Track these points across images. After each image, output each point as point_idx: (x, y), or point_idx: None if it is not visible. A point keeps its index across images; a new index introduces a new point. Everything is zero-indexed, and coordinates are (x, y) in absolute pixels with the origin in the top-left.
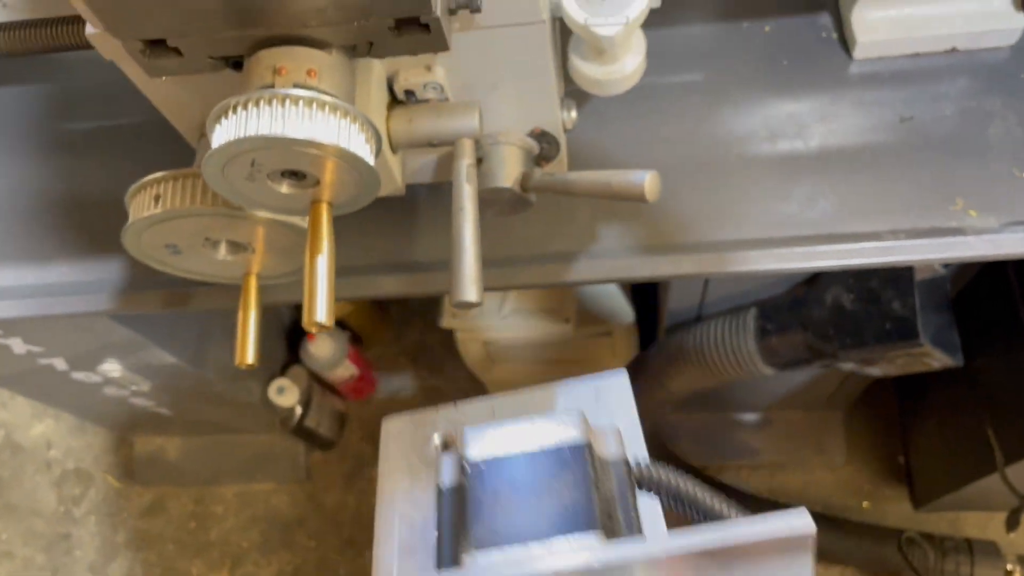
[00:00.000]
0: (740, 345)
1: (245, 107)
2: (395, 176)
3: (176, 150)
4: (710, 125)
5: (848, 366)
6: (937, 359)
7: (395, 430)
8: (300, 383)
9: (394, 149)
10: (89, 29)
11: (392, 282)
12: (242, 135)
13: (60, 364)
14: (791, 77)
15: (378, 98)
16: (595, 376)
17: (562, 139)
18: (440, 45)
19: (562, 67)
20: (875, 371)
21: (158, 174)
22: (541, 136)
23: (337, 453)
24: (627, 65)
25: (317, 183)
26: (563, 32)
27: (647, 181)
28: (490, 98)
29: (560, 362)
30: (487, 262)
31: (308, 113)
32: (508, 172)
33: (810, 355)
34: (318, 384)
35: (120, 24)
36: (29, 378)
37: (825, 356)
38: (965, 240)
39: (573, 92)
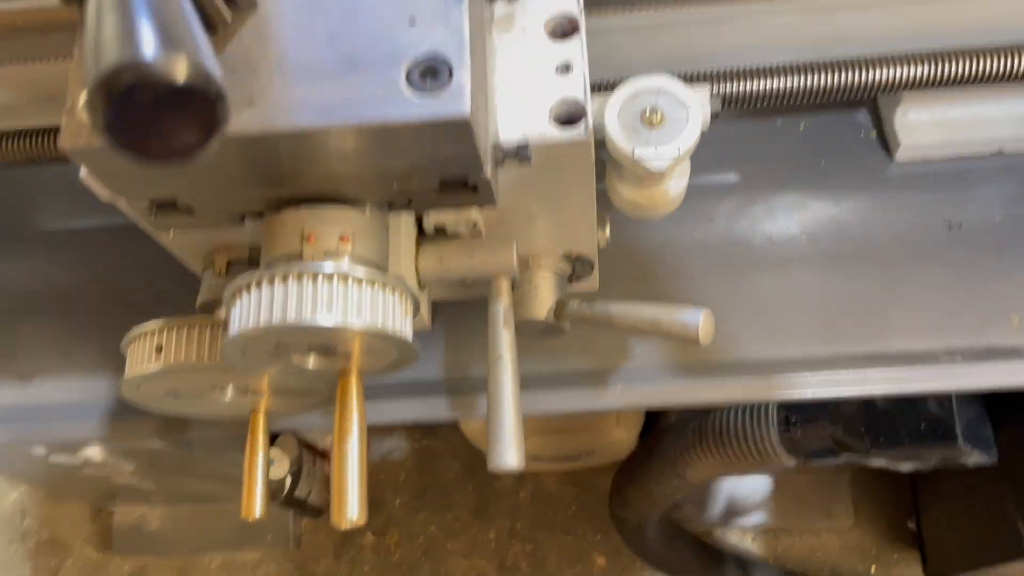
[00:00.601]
0: (762, 436)
1: (271, 284)
2: (423, 315)
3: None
4: (745, 228)
5: (878, 463)
6: (972, 458)
7: None
8: (290, 452)
9: (422, 287)
10: (82, 171)
11: (408, 407)
12: (267, 322)
13: (39, 450)
14: (829, 178)
15: (407, 236)
16: None
17: (596, 257)
18: (487, 201)
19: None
20: (905, 467)
21: (158, 321)
22: (575, 259)
23: (328, 520)
24: (671, 189)
25: (349, 356)
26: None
27: (701, 324)
28: (526, 228)
29: (564, 431)
30: None
31: (343, 293)
32: (542, 302)
33: (837, 449)
34: (308, 451)
35: (128, 189)
36: (2, 459)
37: (854, 452)
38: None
39: (603, 196)
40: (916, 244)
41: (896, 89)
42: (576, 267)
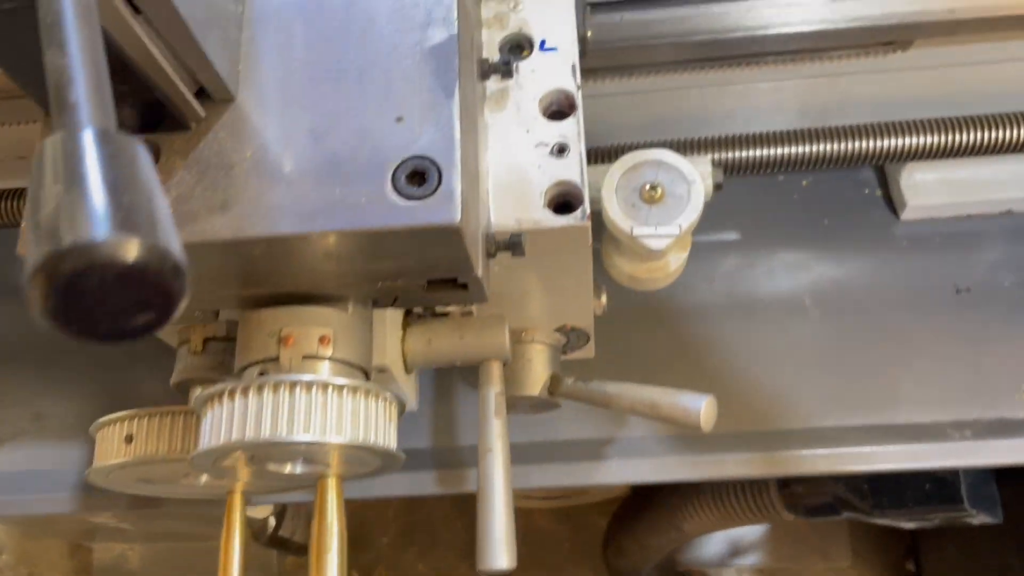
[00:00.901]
0: (761, 491)
1: (244, 395)
2: (409, 398)
3: None
4: (746, 291)
5: (881, 521)
6: (977, 519)
7: None
8: None
9: (408, 370)
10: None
11: (394, 482)
12: (239, 438)
13: None
14: (833, 238)
15: (393, 318)
16: None
17: (592, 329)
18: (478, 299)
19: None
20: (908, 525)
21: (129, 412)
22: (571, 331)
23: None
24: (671, 263)
25: (328, 464)
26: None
27: (703, 410)
28: (519, 303)
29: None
30: None
31: (322, 404)
32: (535, 378)
33: (838, 507)
34: None
35: None
36: None
37: (856, 510)
38: None
39: (600, 261)
40: (923, 309)
41: (905, 158)
42: (571, 338)
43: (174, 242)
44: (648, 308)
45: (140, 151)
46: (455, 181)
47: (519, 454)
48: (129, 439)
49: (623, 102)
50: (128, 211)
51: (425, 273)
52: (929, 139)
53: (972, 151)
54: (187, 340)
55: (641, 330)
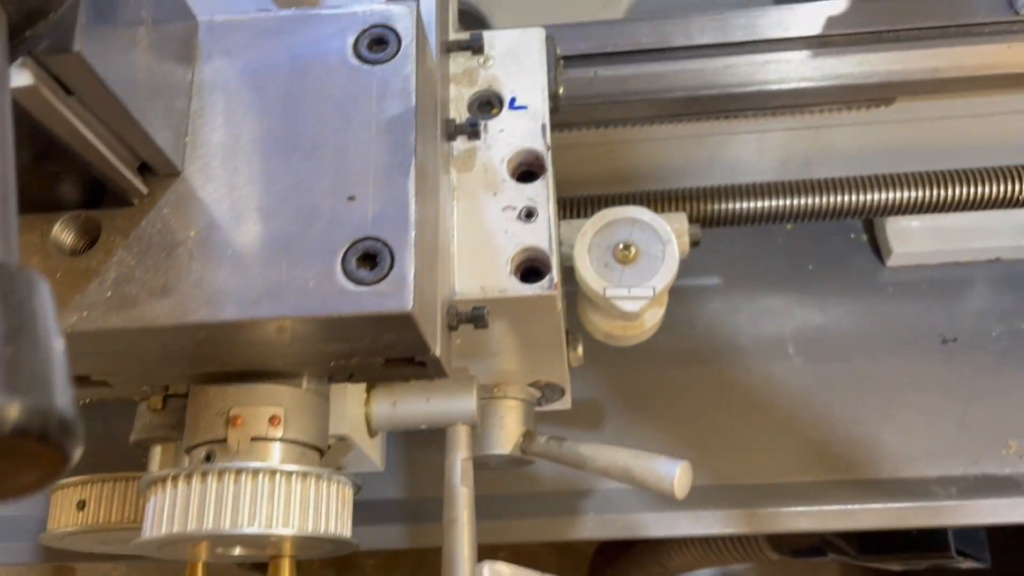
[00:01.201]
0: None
1: (188, 483)
2: (374, 459)
3: None
4: (729, 337)
5: (868, 564)
6: (965, 564)
7: None
8: None
9: (372, 434)
10: None
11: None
12: (182, 529)
13: None
14: (817, 283)
15: None
16: None
17: (568, 383)
18: (438, 374)
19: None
20: (896, 567)
21: (83, 476)
22: (544, 386)
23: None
24: (647, 321)
25: (280, 548)
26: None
27: (677, 477)
28: (489, 361)
29: None
30: None
31: (270, 493)
32: (507, 435)
33: (825, 549)
34: None
35: None
36: None
37: (842, 553)
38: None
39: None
40: (908, 359)
41: (890, 213)
42: (546, 392)
43: (63, 397)
44: (627, 353)
45: (38, 289)
46: (408, 264)
47: (491, 507)
48: (82, 505)
49: (597, 152)
50: (10, 368)
51: (381, 353)
52: (915, 194)
53: (960, 207)
54: (146, 396)
55: (620, 376)
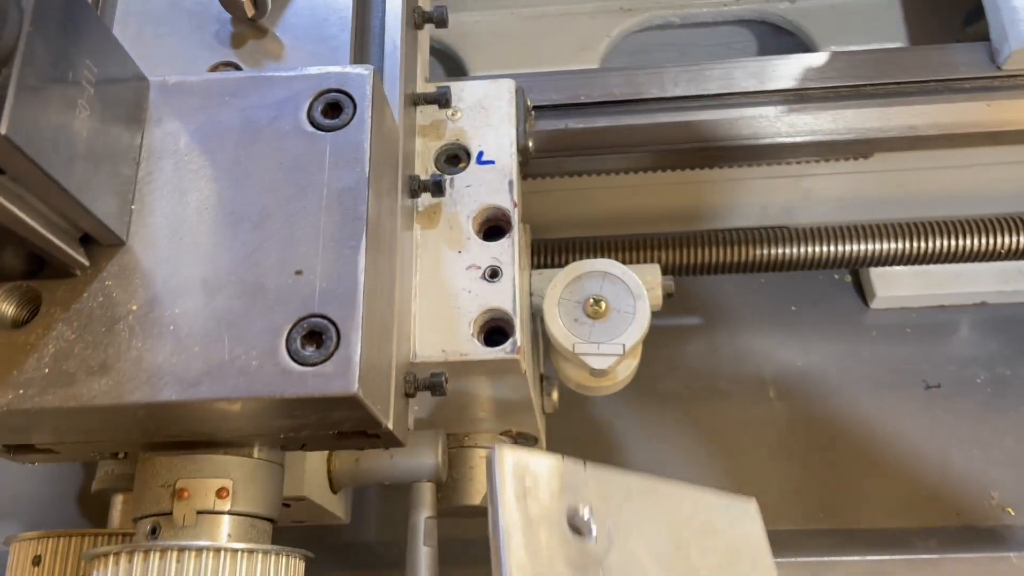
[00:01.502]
0: None
1: (130, 560)
2: (338, 513)
3: None
4: (709, 379)
5: None
6: None
7: None
8: None
9: (335, 490)
10: None
11: None
12: None
13: None
14: (800, 325)
15: None
16: None
17: (542, 431)
18: (393, 444)
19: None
20: None
21: (39, 532)
22: (517, 435)
23: None
24: (620, 372)
25: None
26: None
27: None
28: (458, 413)
29: None
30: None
31: (214, 569)
32: (478, 486)
33: None
34: None
35: None
36: None
37: None
38: (1008, 558)
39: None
40: (890, 405)
41: (873, 264)
42: (518, 441)
43: None
44: (605, 399)
45: None
46: (355, 343)
47: (464, 555)
48: (37, 561)
49: (570, 197)
50: None
51: (331, 427)
52: (901, 245)
53: (945, 260)
54: (97, 460)
55: (598, 416)
